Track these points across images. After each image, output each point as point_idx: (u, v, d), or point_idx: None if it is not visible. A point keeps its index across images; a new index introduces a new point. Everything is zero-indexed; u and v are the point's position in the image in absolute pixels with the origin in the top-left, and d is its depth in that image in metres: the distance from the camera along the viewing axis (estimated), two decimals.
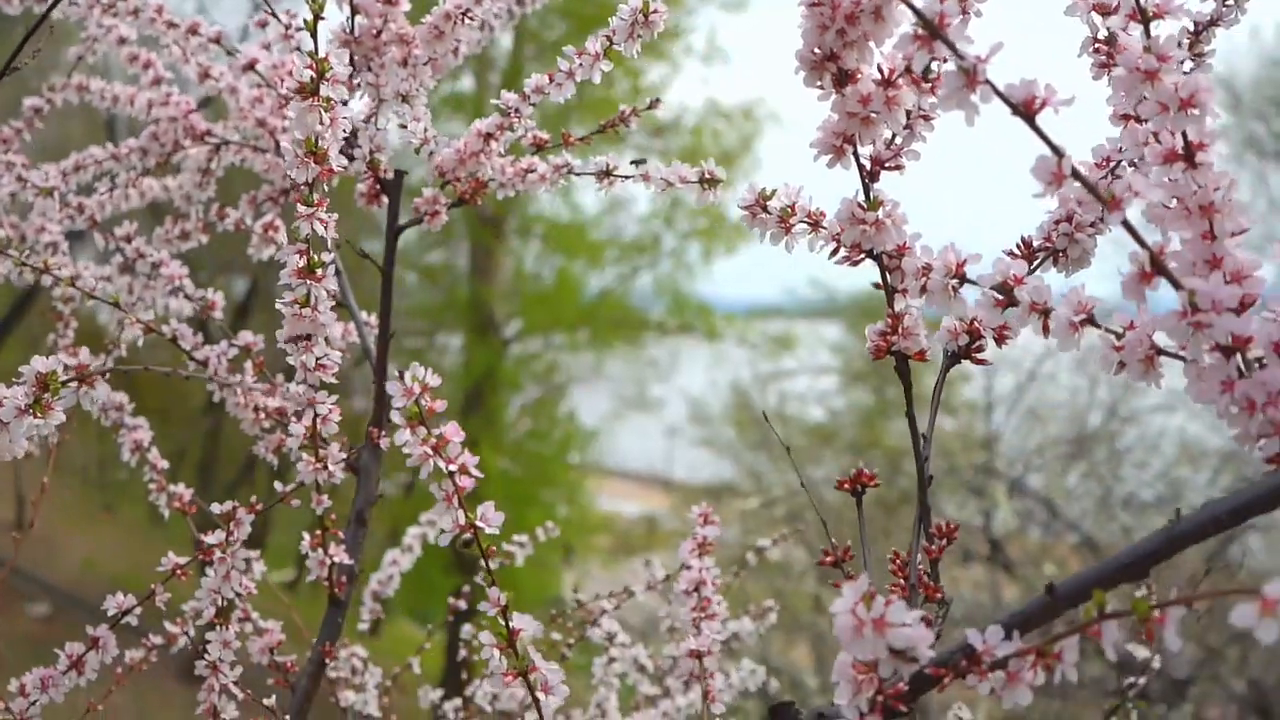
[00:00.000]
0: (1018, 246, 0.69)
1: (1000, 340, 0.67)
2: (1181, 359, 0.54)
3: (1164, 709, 5.30)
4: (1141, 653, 1.07)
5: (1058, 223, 0.69)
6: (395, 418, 0.61)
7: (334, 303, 1.07)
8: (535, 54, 11.03)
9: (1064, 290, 0.59)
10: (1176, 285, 0.52)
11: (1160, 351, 0.55)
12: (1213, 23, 0.74)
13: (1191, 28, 0.75)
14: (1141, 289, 0.53)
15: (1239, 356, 0.52)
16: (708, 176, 0.83)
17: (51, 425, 0.68)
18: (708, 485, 9.55)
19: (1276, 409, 0.51)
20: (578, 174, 0.97)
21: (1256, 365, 0.52)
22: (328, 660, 0.99)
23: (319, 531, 0.96)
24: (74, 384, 0.67)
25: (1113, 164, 0.70)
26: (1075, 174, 0.51)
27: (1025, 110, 0.51)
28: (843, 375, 10.31)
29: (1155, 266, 0.52)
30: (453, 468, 0.62)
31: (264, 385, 1.03)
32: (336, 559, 0.97)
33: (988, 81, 0.50)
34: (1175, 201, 0.55)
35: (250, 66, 1.06)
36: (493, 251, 11.51)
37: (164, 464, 1.10)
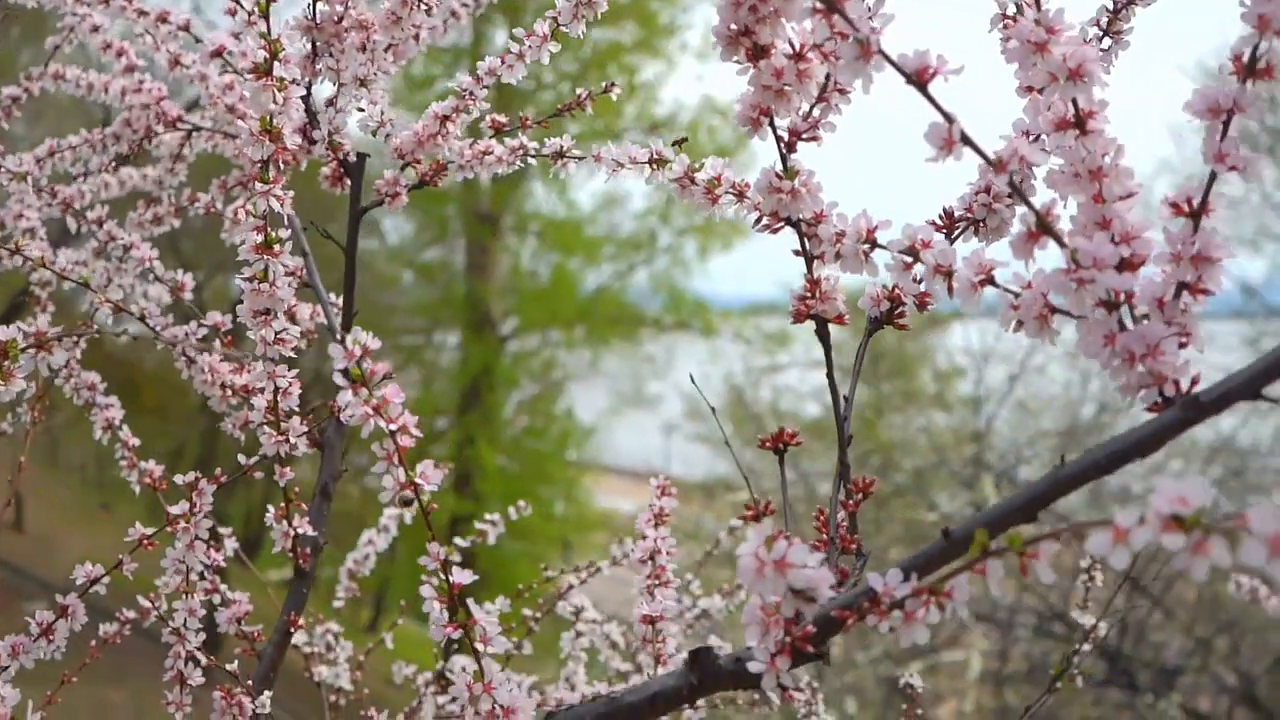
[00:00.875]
0: (939, 216, 0.72)
1: (921, 306, 0.70)
2: (1073, 316, 0.57)
3: (1152, 698, 5.33)
4: (1087, 620, 1.10)
5: (977, 193, 0.72)
6: (338, 379, 0.64)
7: (300, 283, 1.11)
8: None
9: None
10: (1061, 244, 0.55)
11: (1054, 309, 0.58)
12: (1130, 1, 0.77)
13: (1111, 6, 0.78)
14: (1029, 248, 0.56)
15: (1123, 311, 0.55)
16: (656, 157, 0.86)
17: (12, 391, 0.71)
18: (704, 481, 9.59)
19: (1155, 360, 0.54)
20: (533, 156, 1.00)
21: (1141, 320, 0.55)
22: (293, 629, 1.02)
23: (283, 504, 0.99)
24: (32, 350, 0.69)
25: (1032, 137, 0.73)
26: (965, 139, 0.54)
27: (918, 79, 0.54)
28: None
29: (1041, 226, 0.55)
30: (393, 427, 0.65)
31: (231, 364, 1.06)
32: (300, 530, 1.00)
33: (881, 52, 0.53)
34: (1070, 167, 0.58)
35: (218, 53, 1.09)
36: (489, 249, 11.55)
37: (135, 441, 1.13)
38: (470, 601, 0.68)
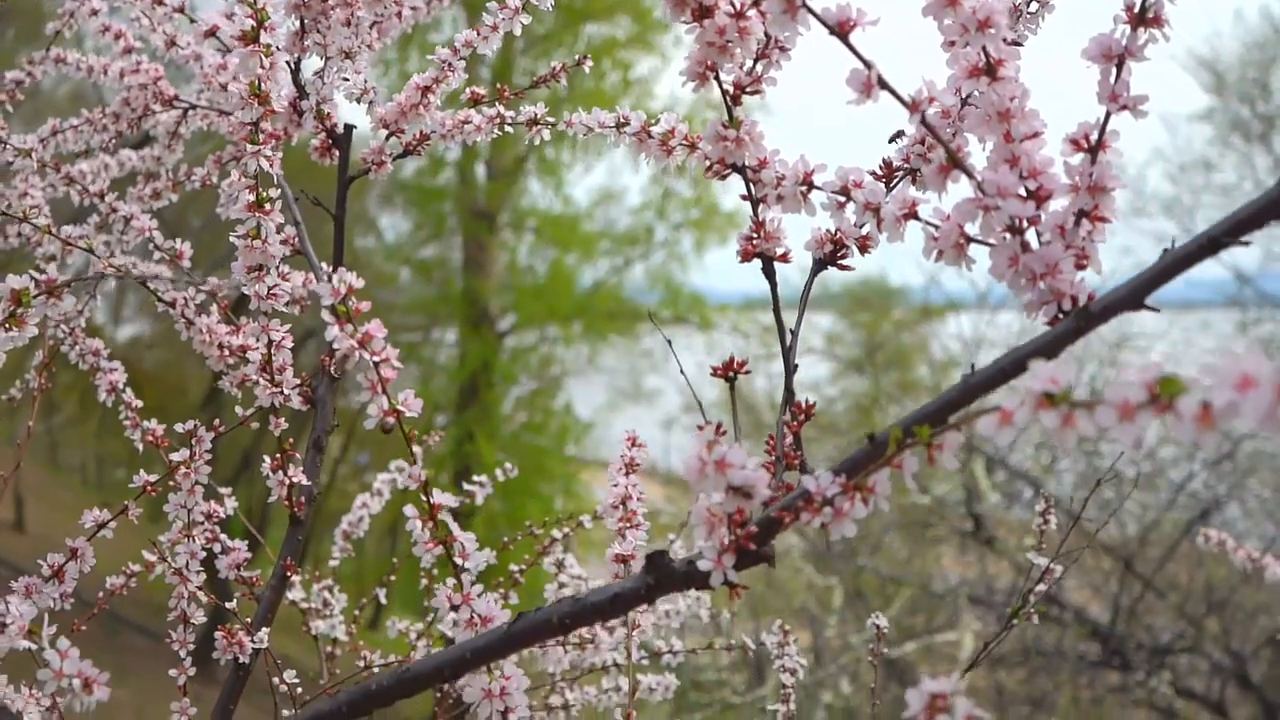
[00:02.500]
0: (879, 166, 0.78)
1: (863, 249, 0.76)
2: (985, 244, 0.63)
3: (1143, 676, 5.41)
4: (1040, 560, 1.16)
5: (914, 144, 0.78)
6: (325, 312, 0.70)
7: (293, 251, 1.17)
8: (525, 47, 11.12)
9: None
10: (970, 176, 0.61)
11: (969, 239, 0.64)
12: None
13: None
14: (942, 180, 0.62)
15: (1030, 237, 0.61)
16: (622, 121, 0.92)
17: (25, 337, 0.77)
18: None
19: (1053, 279, 0.60)
20: (510, 124, 1.06)
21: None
22: (289, 574, 1.08)
23: (279, 454, 1.05)
24: (43, 297, 0.76)
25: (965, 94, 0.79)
26: (882, 83, 0.60)
27: (840, 30, 0.60)
28: (836, 363, 10.41)
29: (952, 161, 0.61)
30: (378, 359, 0.71)
31: (228, 326, 1.12)
32: (295, 480, 1.06)
33: (805, 6, 0.59)
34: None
35: (211, 33, 1.15)
36: (486, 246, 11.60)
37: (138, 403, 1.19)
38: (452, 522, 0.75)
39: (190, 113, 1.29)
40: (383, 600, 1.45)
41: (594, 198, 12.27)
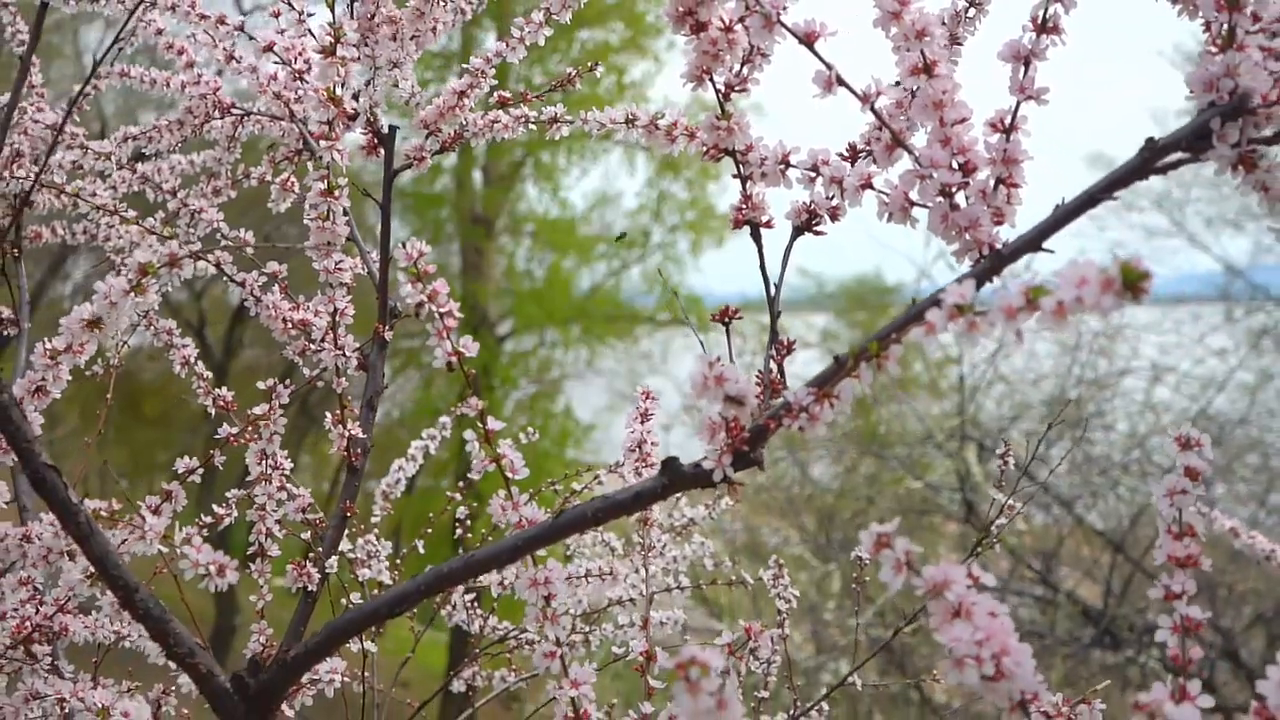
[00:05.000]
0: (846, 148, 0.95)
1: (834, 217, 0.93)
2: (924, 206, 0.80)
3: (1134, 652, 5.58)
4: (998, 496, 1.33)
5: (871, 130, 0.95)
6: (400, 273, 0.87)
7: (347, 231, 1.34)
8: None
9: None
10: (910, 153, 0.78)
11: (912, 203, 0.81)
12: None
13: None
14: (888, 156, 0.79)
15: (957, 199, 0.78)
16: (631, 116, 1.09)
17: (150, 302, 0.94)
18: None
19: (975, 231, 0.77)
20: (533, 122, 1.24)
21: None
22: (348, 514, 1.25)
23: (339, 410, 1.22)
24: (166, 268, 0.92)
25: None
26: (840, 81, 0.77)
27: (807, 40, 0.77)
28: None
29: (895, 141, 0.79)
30: (443, 309, 0.88)
31: (290, 303, 1.29)
32: (353, 433, 1.23)
33: (780, 22, 0.77)
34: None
35: (269, 48, 1.32)
36: (484, 251, 11.77)
37: (209, 374, 1.36)
38: (503, 443, 0.92)
39: (245, 119, 1.46)
40: (421, 550, 1.62)
41: (590, 201, 12.44)
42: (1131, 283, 0.53)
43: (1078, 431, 6.58)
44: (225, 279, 1.26)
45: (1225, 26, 0.69)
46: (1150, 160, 0.71)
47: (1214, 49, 0.70)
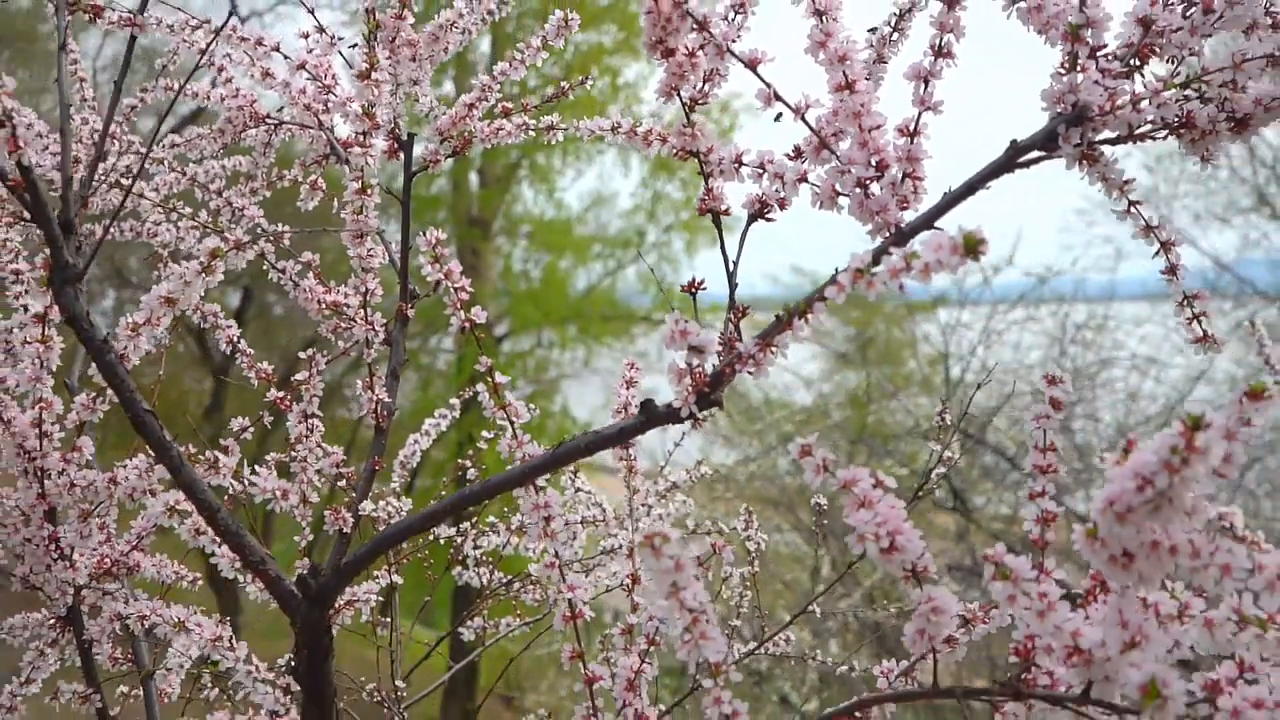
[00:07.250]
0: (792, 149, 1.15)
1: (782, 206, 1.13)
2: (846, 195, 1.01)
3: None
4: (935, 447, 1.53)
5: (806, 138, 1.15)
6: (422, 255, 1.07)
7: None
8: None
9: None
10: (833, 152, 0.98)
11: (838, 193, 1.01)
12: (911, 8, 1.20)
13: (898, 12, 1.21)
14: (817, 155, 0.99)
15: (872, 189, 0.99)
16: (615, 124, 1.29)
17: (215, 281, 1.14)
18: (701, 475, 9.93)
19: (884, 215, 0.97)
20: (533, 130, 1.44)
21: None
22: (376, 468, 1.45)
23: (368, 377, 1.42)
24: (231, 251, 1.12)
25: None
26: (777, 96, 0.98)
27: (751, 64, 0.97)
28: (829, 359, 10.78)
29: (822, 144, 0.99)
30: (457, 284, 1.08)
31: (324, 287, 1.49)
32: (380, 397, 1.43)
33: (729, 50, 0.97)
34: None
35: (301, 66, 1.52)
36: (480, 252, 11.97)
37: (250, 351, 1.56)
38: (509, 395, 1.12)
39: (278, 128, 1.66)
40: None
41: (585, 202, 12.63)
42: (971, 247, 0.74)
43: (1067, 421, 6.77)
44: (268, 266, 1.46)
45: (1068, 53, 0.89)
46: (1014, 157, 0.91)
47: (1061, 70, 0.90)
